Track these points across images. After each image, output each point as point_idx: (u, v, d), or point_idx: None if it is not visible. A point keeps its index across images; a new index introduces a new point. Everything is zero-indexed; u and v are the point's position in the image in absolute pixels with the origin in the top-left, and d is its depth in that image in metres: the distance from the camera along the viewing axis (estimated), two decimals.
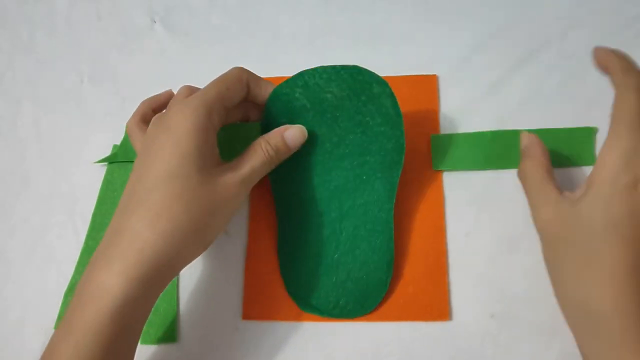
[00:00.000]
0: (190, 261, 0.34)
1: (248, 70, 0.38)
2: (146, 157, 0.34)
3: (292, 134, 0.38)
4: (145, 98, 0.42)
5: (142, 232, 0.31)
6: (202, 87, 0.48)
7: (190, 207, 0.32)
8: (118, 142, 0.46)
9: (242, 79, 0.37)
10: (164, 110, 0.37)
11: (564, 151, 0.42)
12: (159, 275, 0.32)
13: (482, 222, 0.41)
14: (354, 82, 0.39)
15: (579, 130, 0.43)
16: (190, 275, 0.42)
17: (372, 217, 0.40)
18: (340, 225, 0.40)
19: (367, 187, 0.40)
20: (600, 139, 0.42)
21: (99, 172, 0.45)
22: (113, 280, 0.30)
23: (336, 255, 0.40)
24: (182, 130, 0.33)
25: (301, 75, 0.40)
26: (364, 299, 0.39)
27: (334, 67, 0.39)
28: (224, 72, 0.37)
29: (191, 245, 0.33)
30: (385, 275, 0.39)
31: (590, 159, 0.42)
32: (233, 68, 0.38)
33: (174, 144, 0.33)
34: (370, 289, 0.39)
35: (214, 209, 0.33)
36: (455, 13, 0.49)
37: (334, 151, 0.40)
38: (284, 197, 0.41)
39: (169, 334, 0.40)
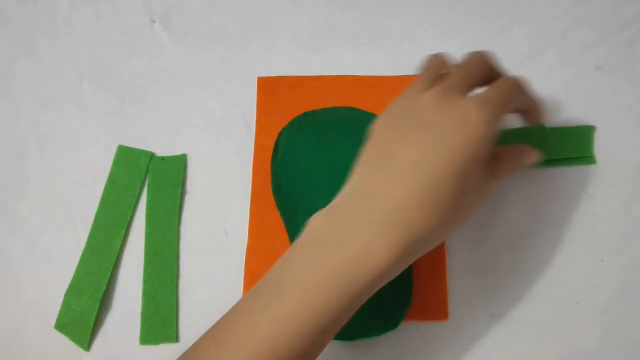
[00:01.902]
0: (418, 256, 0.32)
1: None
2: (417, 129, 0.32)
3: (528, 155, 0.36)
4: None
5: (409, 209, 0.30)
6: (200, 87, 0.48)
7: (456, 195, 0.30)
8: (118, 143, 0.46)
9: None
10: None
11: (563, 150, 0.42)
12: (415, 248, 0.30)
13: (482, 222, 0.41)
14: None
15: (578, 129, 0.43)
16: (191, 276, 0.42)
17: None
18: None
19: None
20: (600, 137, 0.42)
21: (99, 173, 0.45)
22: (376, 247, 0.29)
23: None
24: (477, 130, 0.31)
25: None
26: (390, 315, 0.38)
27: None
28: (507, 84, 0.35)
29: (446, 235, 0.32)
30: (408, 284, 0.38)
31: (589, 158, 0.42)
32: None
33: (465, 138, 0.31)
34: (395, 304, 0.38)
35: (469, 207, 0.32)
36: (455, 13, 0.49)
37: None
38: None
39: (170, 334, 0.40)
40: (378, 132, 0.34)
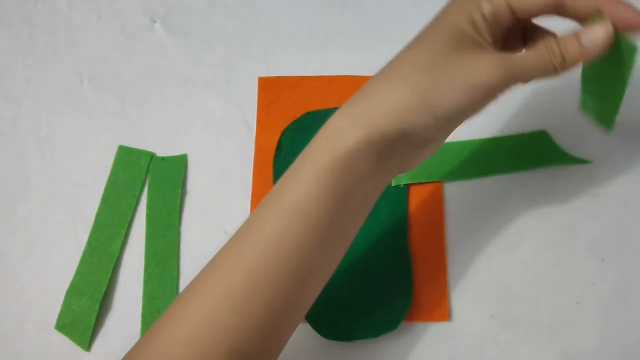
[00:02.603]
0: (418, 133, 0.30)
1: None
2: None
3: (592, 36, 0.31)
4: None
5: (381, 88, 0.31)
6: (200, 87, 0.48)
7: (430, 67, 0.30)
8: (118, 143, 0.46)
9: None
10: None
11: (564, 155, 0.42)
12: (390, 135, 0.30)
13: (481, 222, 0.41)
14: None
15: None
16: (191, 276, 0.42)
17: (385, 237, 0.40)
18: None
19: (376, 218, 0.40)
20: (599, 137, 0.42)
21: (99, 173, 0.45)
22: (346, 124, 0.30)
23: (354, 277, 0.39)
24: None
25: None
26: (389, 316, 0.38)
27: None
28: None
29: (419, 111, 0.30)
30: (408, 285, 0.39)
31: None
32: None
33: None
34: (394, 304, 0.39)
35: (456, 78, 0.30)
36: None
37: None
38: None
39: None
40: None
